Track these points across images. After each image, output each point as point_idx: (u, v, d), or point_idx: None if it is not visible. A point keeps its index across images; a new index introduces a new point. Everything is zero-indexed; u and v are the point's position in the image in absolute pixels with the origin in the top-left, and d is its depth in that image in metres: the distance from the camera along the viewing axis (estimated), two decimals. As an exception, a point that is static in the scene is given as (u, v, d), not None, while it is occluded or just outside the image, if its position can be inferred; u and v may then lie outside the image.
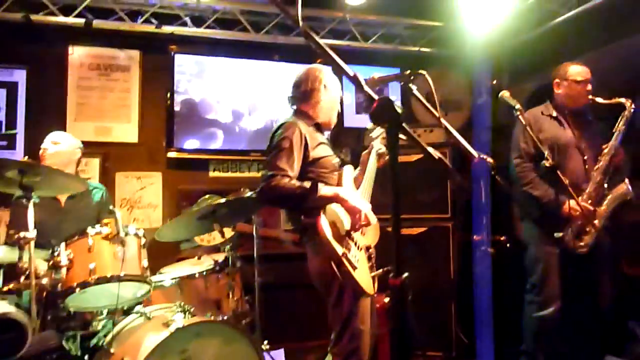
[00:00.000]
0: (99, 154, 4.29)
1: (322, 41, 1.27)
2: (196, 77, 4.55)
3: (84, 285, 2.33)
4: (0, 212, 3.89)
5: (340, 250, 2.09)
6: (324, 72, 2.53)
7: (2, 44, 4.14)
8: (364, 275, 2.21)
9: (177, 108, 4.48)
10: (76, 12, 4.06)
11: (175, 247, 4.24)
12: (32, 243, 2.24)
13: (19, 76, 4.19)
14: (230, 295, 3.22)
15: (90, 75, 4.41)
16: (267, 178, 2.20)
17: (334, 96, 2.58)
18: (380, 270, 2.42)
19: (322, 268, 2.19)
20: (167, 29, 4.31)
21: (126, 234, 2.49)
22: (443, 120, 1.53)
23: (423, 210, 4.00)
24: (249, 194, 3.19)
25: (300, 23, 1.29)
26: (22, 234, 2.26)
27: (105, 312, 2.60)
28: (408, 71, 1.65)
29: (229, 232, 3.17)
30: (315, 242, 2.22)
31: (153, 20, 4.30)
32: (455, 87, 5.12)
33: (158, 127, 4.51)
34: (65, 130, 3.73)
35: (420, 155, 3.72)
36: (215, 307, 3.28)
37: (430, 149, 1.35)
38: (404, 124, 1.16)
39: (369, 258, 2.38)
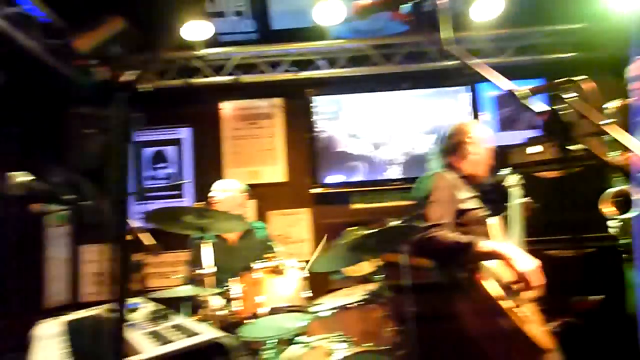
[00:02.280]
0: (253, 196, 4.67)
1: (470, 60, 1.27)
2: (334, 115, 4.78)
3: (255, 316, 2.51)
4: (180, 254, 4.40)
5: (505, 305, 1.99)
6: (474, 126, 2.54)
7: (168, 107, 4.81)
8: (536, 330, 2.07)
9: (318, 146, 4.72)
10: (226, 71, 4.57)
11: (324, 279, 4.39)
12: (210, 279, 2.49)
13: (184, 133, 4.80)
14: (385, 326, 3.23)
15: (240, 126, 4.88)
16: (422, 229, 2.18)
17: (484, 149, 2.54)
18: (557, 323, 2.24)
19: (483, 325, 2.11)
20: (304, 74, 4.62)
21: (287, 267, 2.65)
22: (609, 129, 1.40)
23: (580, 230, 3.61)
24: (395, 223, 3.21)
25: (448, 46, 1.30)
26: (199, 271, 2.53)
27: (271, 341, 2.77)
28: (562, 79, 1.56)
29: (376, 263, 3.22)
30: (471, 299, 2.15)
31: (290, 69, 4.65)
32: (606, 92, 4.63)
33: (302, 166, 4.79)
34: (222, 177, 4.16)
35: (561, 172, 3.44)
36: (372, 337, 3.30)
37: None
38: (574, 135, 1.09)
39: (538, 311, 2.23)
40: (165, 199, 4.69)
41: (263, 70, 4.62)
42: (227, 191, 3.45)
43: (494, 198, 2.61)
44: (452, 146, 2.50)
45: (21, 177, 1.50)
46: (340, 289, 3.79)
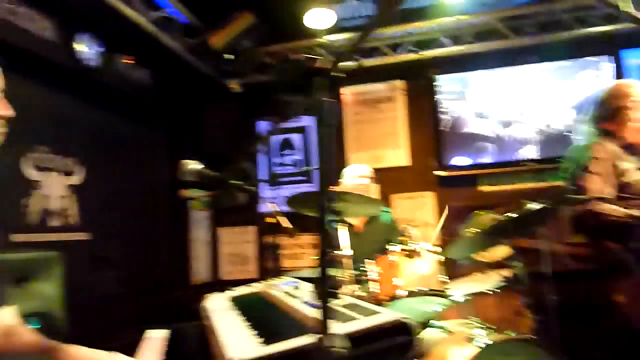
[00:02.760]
0: (376, 180, 4.69)
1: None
2: (459, 95, 4.60)
3: (393, 298, 2.53)
4: (310, 236, 4.58)
5: None
6: (635, 88, 2.28)
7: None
8: None
9: (443, 128, 4.59)
10: (347, 56, 4.61)
11: (453, 263, 4.28)
12: (347, 261, 2.56)
13: (309, 121, 4.95)
14: (523, 314, 3.08)
15: (361, 110, 4.91)
16: (582, 202, 2.02)
17: None
18: None
19: None
20: (427, 53, 4.50)
21: (423, 251, 2.63)
22: None
23: None
24: (535, 206, 3.02)
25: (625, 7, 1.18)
26: (336, 252, 2.60)
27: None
28: None
29: (508, 248, 3.07)
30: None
31: (413, 48, 4.56)
32: None
33: (426, 149, 4.69)
34: (346, 162, 4.22)
35: None
36: (509, 325, 3.17)
37: None
38: None
39: None
40: (293, 184, 4.89)
41: (385, 53, 4.58)
42: (355, 177, 3.50)
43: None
44: (611, 112, 2.28)
45: (192, 164, 1.65)
46: (471, 273, 3.69)
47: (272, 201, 2.94)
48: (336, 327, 0.99)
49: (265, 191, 4.88)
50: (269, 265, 3.34)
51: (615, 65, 4.33)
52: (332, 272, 2.66)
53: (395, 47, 4.63)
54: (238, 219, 5.03)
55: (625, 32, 4.13)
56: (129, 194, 4.08)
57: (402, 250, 2.65)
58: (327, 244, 0.80)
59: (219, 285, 4.94)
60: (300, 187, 4.84)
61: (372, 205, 2.95)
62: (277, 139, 5.07)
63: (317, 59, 0.83)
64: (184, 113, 4.63)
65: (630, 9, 1.11)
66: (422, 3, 4.49)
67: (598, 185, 1.99)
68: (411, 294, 2.55)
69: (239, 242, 5.02)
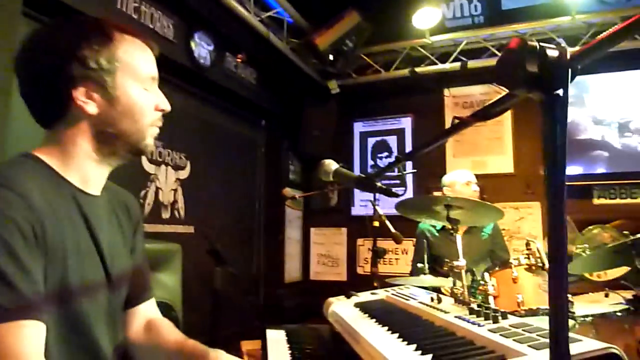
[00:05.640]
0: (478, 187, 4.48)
1: None
2: (575, 99, 4.27)
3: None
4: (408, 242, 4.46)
5: None
6: None
7: (393, 97, 4.88)
8: None
9: (554, 134, 4.28)
10: (452, 57, 4.44)
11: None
12: (463, 272, 2.42)
13: (406, 123, 4.83)
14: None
15: (464, 114, 4.69)
16: None
17: None
18: None
19: None
20: (540, 55, 4.22)
21: (545, 265, 2.44)
22: None
23: None
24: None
25: None
26: (455, 263, 2.46)
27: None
28: None
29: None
30: None
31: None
32: None
33: (533, 157, 4.40)
34: (446, 167, 4.05)
35: None
36: (635, 355, 2.88)
37: None
38: None
39: None
40: (389, 188, 4.78)
41: (493, 54, 4.35)
42: (471, 184, 3.33)
43: None
44: None
45: (333, 164, 1.61)
46: (582, 292, 3.40)
47: (377, 204, 2.84)
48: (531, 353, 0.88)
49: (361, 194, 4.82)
50: (371, 269, 3.26)
51: None
52: (442, 282, 2.51)
53: (502, 48, 4.38)
54: (329, 220, 5.02)
55: None
56: (230, 190, 4.18)
57: (524, 263, 2.47)
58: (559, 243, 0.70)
59: (309, 284, 4.97)
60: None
61: (492, 213, 2.77)
62: (372, 140, 4.99)
63: (563, 48, 0.73)
64: (284, 113, 4.68)
65: None
66: (534, 1, 4.23)
67: None
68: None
69: (330, 243, 5.00)
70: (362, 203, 4.87)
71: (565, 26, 4.17)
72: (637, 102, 4.13)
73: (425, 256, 3.27)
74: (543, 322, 2.12)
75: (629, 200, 4.18)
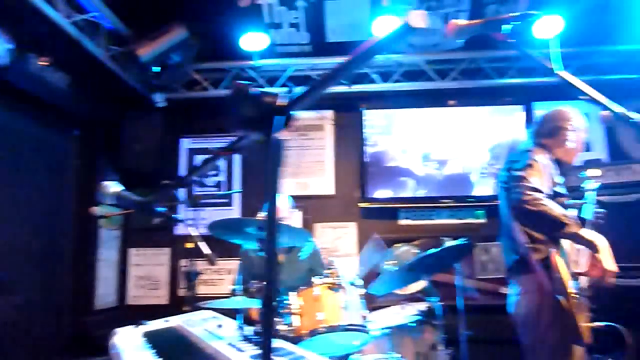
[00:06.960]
0: (299, 207, 4.66)
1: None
2: (385, 130, 4.73)
3: (313, 333, 2.47)
4: (228, 262, 4.41)
5: (569, 289, 2.09)
6: (575, 115, 2.56)
7: (219, 116, 4.85)
8: (582, 322, 2.16)
9: (368, 160, 4.68)
10: (280, 82, 4.59)
11: (370, 296, 4.31)
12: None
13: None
14: (438, 348, 3.15)
15: (289, 137, 4.88)
16: (528, 190, 2.14)
17: (580, 139, 2.58)
18: (603, 324, 2.28)
19: (534, 305, 2.24)
20: (357, 87, 4.60)
21: (347, 284, 2.61)
22: None
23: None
24: (451, 243, 3.14)
25: (554, 66, 1.26)
26: (255, 284, 2.51)
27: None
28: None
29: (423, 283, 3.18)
30: (532, 278, 2.25)
31: (344, 81, 4.63)
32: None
33: (351, 180, 4.75)
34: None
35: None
36: (424, 358, 3.23)
37: None
38: None
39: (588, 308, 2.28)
40: (214, 207, 4.71)
41: (316, 82, 4.61)
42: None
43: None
44: (551, 130, 2.54)
45: (113, 187, 1.51)
46: (389, 305, 3.72)
47: (191, 224, 2.78)
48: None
49: (183, 213, 4.65)
50: (186, 292, 3.14)
51: (526, 114, 4.70)
52: (254, 303, 2.53)
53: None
54: (151, 240, 4.74)
55: (537, 85, 4.51)
56: (30, 206, 3.70)
57: (325, 282, 2.60)
58: (270, 292, 0.74)
59: (125, 310, 4.61)
60: (221, 210, 4.68)
61: (296, 235, 2.89)
62: (199, 159, 4.89)
63: (276, 95, 0.78)
64: (101, 123, 4.32)
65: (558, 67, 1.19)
66: (355, 38, 4.61)
67: (537, 181, 2.17)
68: (331, 328, 2.50)
69: (151, 264, 4.72)
70: (188, 223, 4.71)
71: (381, 63, 4.61)
72: (436, 135, 4.73)
73: (242, 277, 3.27)
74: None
75: (427, 221, 4.75)
